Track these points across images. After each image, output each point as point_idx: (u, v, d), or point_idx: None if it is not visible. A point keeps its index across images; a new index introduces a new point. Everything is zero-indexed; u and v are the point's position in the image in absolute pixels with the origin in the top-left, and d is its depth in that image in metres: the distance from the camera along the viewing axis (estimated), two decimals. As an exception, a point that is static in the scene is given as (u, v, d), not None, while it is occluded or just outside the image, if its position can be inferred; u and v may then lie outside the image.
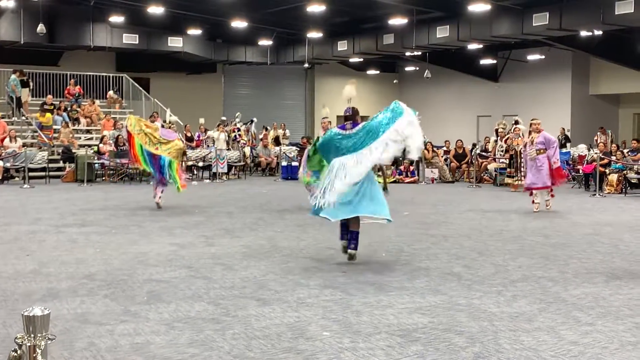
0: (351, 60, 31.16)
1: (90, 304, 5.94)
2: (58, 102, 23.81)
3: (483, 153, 20.57)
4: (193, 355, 4.64)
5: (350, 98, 8.13)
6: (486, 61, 29.75)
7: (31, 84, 23.64)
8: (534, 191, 13.10)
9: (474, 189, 18.30)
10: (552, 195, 13.16)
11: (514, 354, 4.68)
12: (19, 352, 2.26)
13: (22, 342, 2.23)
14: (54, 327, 5.06)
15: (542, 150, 12.97)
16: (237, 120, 23.80)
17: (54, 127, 21.99)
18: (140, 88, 26.59)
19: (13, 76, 22.54)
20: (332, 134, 7.70)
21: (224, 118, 24.00)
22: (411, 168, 20.70)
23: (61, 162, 20.68)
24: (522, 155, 17.58)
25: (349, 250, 7.81)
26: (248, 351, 4.73)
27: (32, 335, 2.22)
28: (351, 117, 7.74)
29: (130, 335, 5.06)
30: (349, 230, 7.82)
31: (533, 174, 12.98)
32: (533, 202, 13.11)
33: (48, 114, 21.40)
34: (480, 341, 4.95)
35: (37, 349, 2.21)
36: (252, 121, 24.94)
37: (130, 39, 26.16)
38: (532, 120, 13.60)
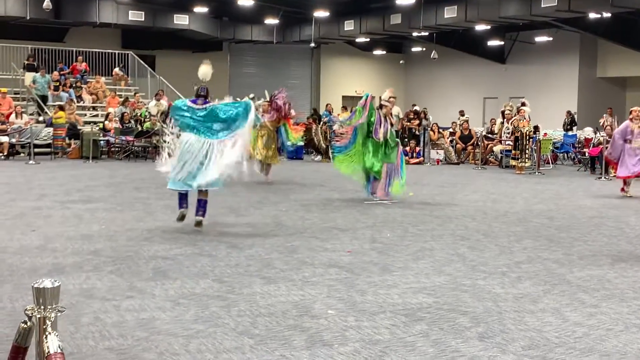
0: (357, 40, 31.00)
1: (96, 280, 5.97)
2: (64, 79, 23.77)
3: (489, 135, 20.51)
4: (198, 331, 4.67)
5: (205, 79, 9.26)
6: (493, 42, 29.55)
7: (40, 67, 23.48)
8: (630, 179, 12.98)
9: (480, 171, 18.27)
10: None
11: (518, 335, 4.69)
12: (28, 323, 2.27)
13: (32, 313, 2.24)
14: (59, 301, 5.09)
15: None
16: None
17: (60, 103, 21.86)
18: (146, 65, 26.50)
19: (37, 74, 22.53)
20: (184, 102, 8.90)
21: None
22: (417, 149, 20.65)
23: (66, 139, 20.57)
24: (527, 138, 17.57)
25: (197, 217, 8.42)
26: (253, 328, 4.75)
27: (42, 307, 2.23)
28: (204, 96, 8.88)
29: (135, 311, 5.09)
30: (198, 199, 8.53)
31: (634, 163, 12.74)
32: (623, 189, 12.96)
33: (61, 112, 20.81)
34: (484, 321, 4.97)
35: (47, 321, 2.22)
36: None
37: (136, 16, 26.00)
38: (632, 108, 13.32)
